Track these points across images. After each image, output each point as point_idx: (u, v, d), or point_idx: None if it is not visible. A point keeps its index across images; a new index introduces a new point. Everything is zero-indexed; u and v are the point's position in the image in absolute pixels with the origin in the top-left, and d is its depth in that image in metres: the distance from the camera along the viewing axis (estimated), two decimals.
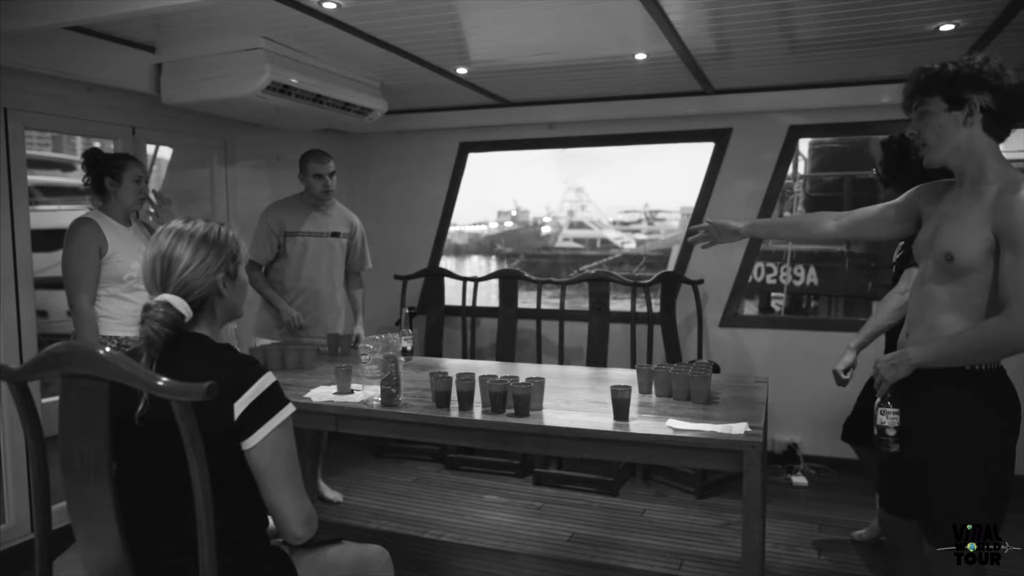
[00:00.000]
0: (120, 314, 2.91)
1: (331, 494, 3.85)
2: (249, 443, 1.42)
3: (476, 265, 22.94)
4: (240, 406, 1.40)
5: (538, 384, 2.29)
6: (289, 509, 1.47)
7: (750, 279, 4.65)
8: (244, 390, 1.41)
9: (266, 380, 1.45)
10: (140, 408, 1.36)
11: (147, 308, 1.46)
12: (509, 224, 29.34)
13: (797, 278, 5.73)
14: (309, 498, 1.55)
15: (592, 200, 27.53)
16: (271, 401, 1.45)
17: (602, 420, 2.18)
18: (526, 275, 4.67)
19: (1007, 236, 1.68)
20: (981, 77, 1.73)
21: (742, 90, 4.21)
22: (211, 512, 1.34)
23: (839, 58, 3.54)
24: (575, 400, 2.44)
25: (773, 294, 5.45)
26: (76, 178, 11.45)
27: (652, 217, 25.53)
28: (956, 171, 1.86)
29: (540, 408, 2.29)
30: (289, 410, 1.48)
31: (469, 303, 4.75)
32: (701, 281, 4.38)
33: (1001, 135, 1.80)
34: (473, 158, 5.06)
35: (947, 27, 3.00)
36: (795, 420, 4.27)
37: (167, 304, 1.45)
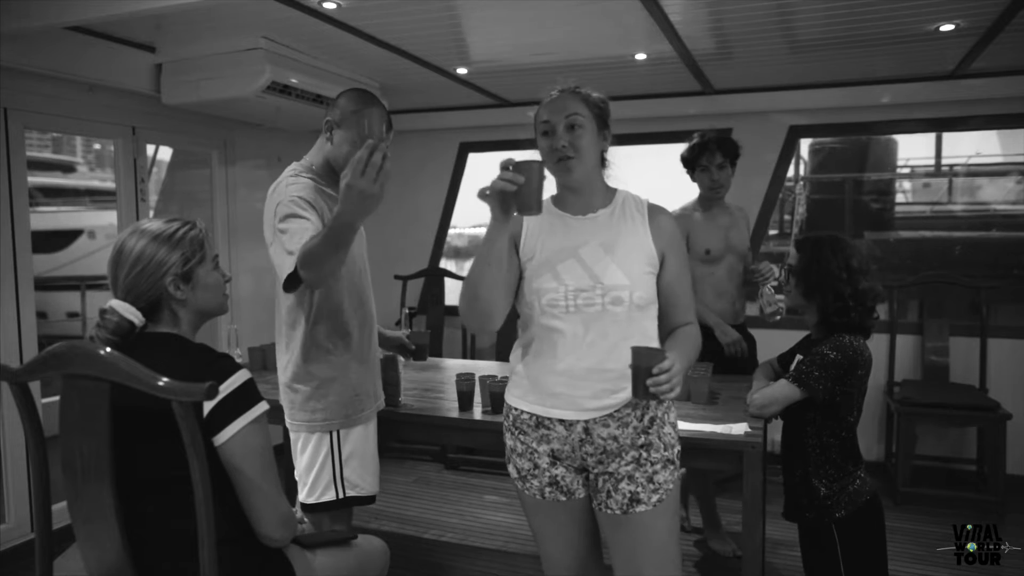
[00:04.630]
0: None
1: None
2: (219, 439, 1.40)
3: None
4: (210, 402, 1.38)
5: None
6: (263, 509, 1.46)
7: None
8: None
9: (239, 377, 1.44)
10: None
11: (101, 313, 1.47)
12: None
13: None
14: (287, 499, 1.53)
15: None
16: (243, 398, 1.43)
17: None
18: None
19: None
20: None
21: (742, 90, 4.20)
22: (212, 511, 1.33)
23: (839, 58, 3.54)
24: None
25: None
26: (76, 180, 11.45)
27: None
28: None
29: None
30: (262, 407, 1.46)
31: None
32: None
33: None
34: (473, 158, 5.06)
35: (947, 27, 3.00)
36: None
37: (114, 311, 1.46)
